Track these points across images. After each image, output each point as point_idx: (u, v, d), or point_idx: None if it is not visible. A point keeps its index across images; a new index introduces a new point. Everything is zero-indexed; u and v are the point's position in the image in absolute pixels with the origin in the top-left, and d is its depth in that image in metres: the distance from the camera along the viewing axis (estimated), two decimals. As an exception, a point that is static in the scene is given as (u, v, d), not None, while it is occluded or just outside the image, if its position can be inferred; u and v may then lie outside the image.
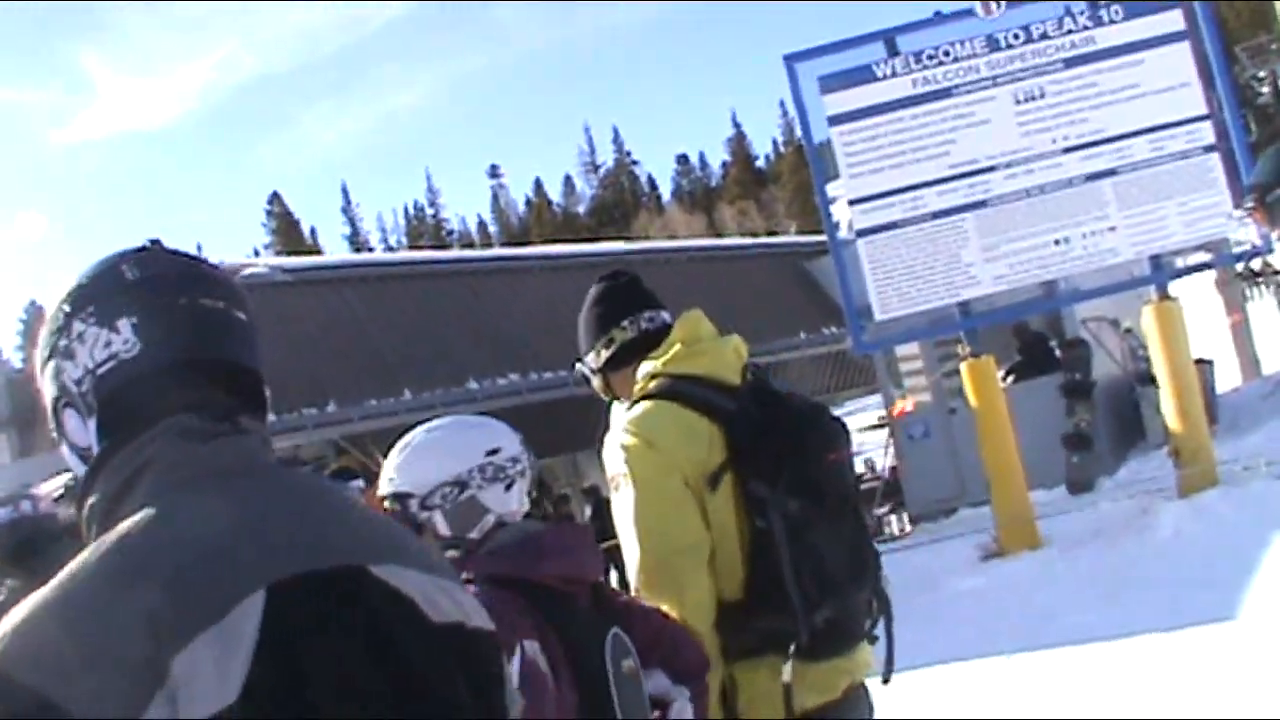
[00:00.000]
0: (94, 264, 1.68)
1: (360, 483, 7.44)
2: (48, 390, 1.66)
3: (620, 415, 3.47)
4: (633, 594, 3.26)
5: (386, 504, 3.07)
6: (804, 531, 3.21)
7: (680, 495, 3.26)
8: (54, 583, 1.40)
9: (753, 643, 3.25)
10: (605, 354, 3.57)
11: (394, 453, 3.10)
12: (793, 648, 3.19)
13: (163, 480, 1.52)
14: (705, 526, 3.25)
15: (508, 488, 3.04)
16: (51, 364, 1.65)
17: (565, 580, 2.94)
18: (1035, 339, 15.50)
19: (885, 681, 3.50)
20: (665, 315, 3.59)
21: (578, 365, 3.67)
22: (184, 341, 1.61)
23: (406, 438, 3.12)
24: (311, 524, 1.54)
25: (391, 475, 3.08)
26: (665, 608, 3.18)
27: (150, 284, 1.63)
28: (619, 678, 2.90)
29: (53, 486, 18.69)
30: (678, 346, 3.45)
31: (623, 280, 3.68)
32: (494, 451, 3.06)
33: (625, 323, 3.57)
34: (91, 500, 1.57)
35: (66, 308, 1.64)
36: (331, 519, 1.59)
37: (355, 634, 1.45)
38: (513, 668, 2.50)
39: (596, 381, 3.62)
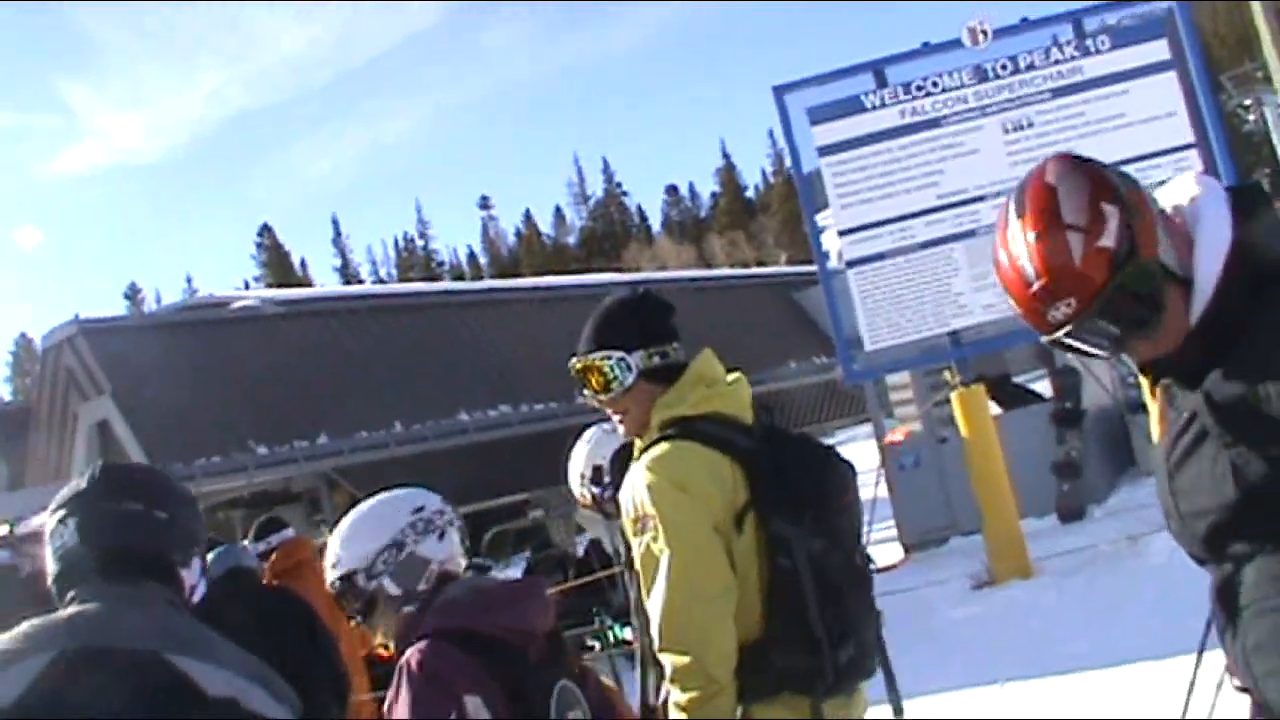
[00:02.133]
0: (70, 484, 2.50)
1: (290, 532, 7.44)
2: None
3: (640, 455, 3.42)
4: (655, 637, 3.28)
5: (337, 588, 3.28)
6: (826, 571, 3.24)
7: (710, 542, 3.23)
8: None
9: (770, 682, 3.25)
10: (656, 362, 3.48)
11: (330, 542, 3.33)
12: (816, 686, 3.22)
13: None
14: (732, 573, 3.24)
15: (440, 537, 3.28)
16: (47, 550, 2.46)
17: (514, 632, 3.11)
18: (999, 381, 15.57)
19: (898, 713, 3.55)
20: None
21: (616, 354, 3.49)
22: (105, 535, 2.39)
23: (338, 529, 3.36)
24: (137, 625, 2.24)
25: (334, 561, 3.28)
26: (686, 658, 3.18)
27: (88, 494, 2.43)
28: None
29: (42, 520, 18.73)
30: (701, 389, 3.43)
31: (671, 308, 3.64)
32: (419, 509, 3.31)
33: (677, 345, 3.53)
34: None
35: (51, 510, 2.46)
36: (166, 625, 2.28)
37: (124, 687, 2.09)
38: None
39: (631, 379, 3.48)
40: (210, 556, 5.83)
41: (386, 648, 3.30)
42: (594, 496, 5.45)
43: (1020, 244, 2.37)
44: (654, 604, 3.26)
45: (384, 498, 3.39)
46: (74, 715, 2.06)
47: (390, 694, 3.02)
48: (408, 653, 3.05)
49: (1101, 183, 2.35)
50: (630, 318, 3.56)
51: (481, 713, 2.94)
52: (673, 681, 3.22)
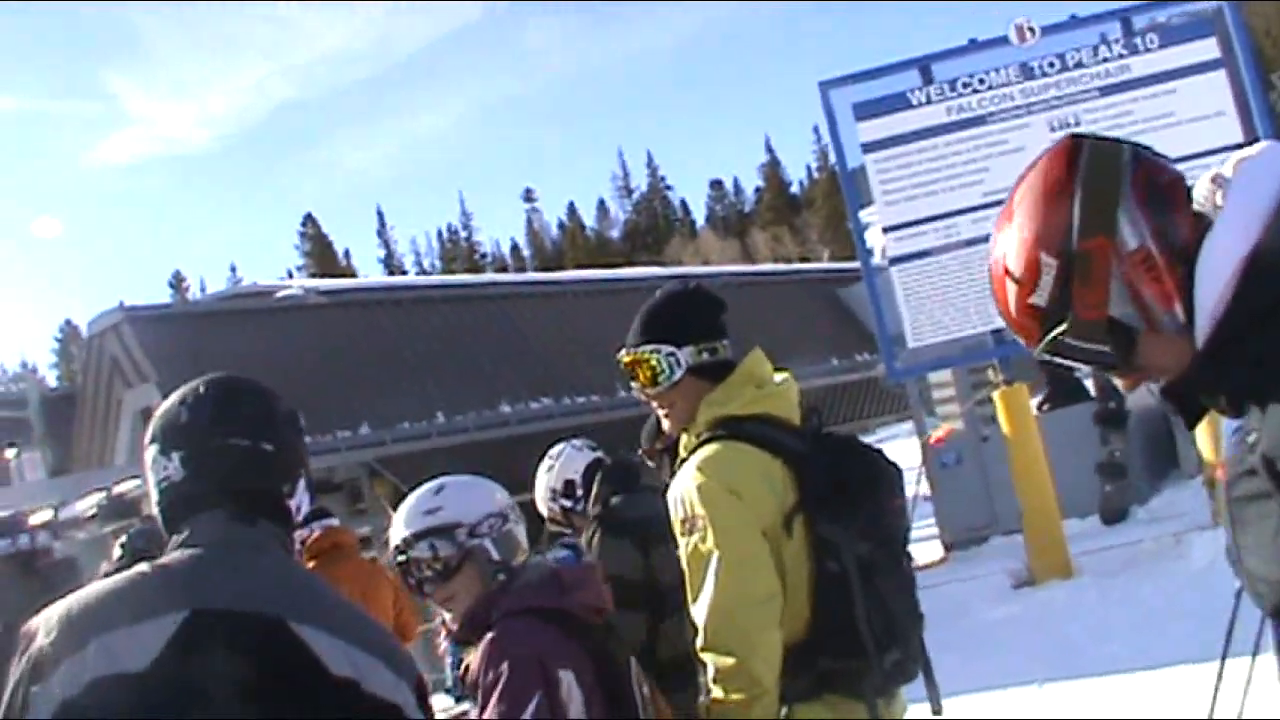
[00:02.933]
0: (169, 401, 2.40)
1: (334, 520, 7.59)
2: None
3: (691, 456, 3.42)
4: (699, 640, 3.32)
5: (419, 547, 3.28)
6: (873, 575, 3.25)
7: (759, 548, 3.24)
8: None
9: (813, 683, 3.27)
10: (704, 358, 3.48)
11: (422, 496, 3.37)
12: (865, 688, 3.25)
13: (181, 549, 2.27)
14: (779, 580, 3.25)
15: (523, 530, 3.38)
16: (147, 471, 2.39)
17: (591, 610, 3.24)
18: (1060, 369, 15.42)
19: (937, 713, 3.56)
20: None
21: (665, 348, 3.48)
22: (213, 473, 2.32)
23: (429, 485, 3.39)
24: (260, 583, 2.22)
25: (430, 509, 3.30)
26: (730, 660, 3.19)
27: (194, 427, 2.34)
28: (643, 699, 3.23)
29: (85, 505, 18.87)
30: (750, 390, 3.44)
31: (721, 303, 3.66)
32: (510, 497, 3.40)
33: (727, 341, 3.53)
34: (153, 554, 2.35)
35: (151, 433, 2.37)
36: (287, 585, 2.26)
37: (252, 661, 2.08)
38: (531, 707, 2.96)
39: (679, 374, 3.48)
40: None
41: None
42: (564, 510, 5.60)
43: (989, 260, 2.20)
44: (701, 605, 3.26)
45: (473, 477, 3.47)
46: (203, 687, 2.04)
47: (478, 669, 3.06)
48: (496, 628, 3.11)
49: (1051, 224, 2.05)
50: (680, 312, 3.57)
51: (574, 687, 3.03)
52: (715, 682, 3.23)
